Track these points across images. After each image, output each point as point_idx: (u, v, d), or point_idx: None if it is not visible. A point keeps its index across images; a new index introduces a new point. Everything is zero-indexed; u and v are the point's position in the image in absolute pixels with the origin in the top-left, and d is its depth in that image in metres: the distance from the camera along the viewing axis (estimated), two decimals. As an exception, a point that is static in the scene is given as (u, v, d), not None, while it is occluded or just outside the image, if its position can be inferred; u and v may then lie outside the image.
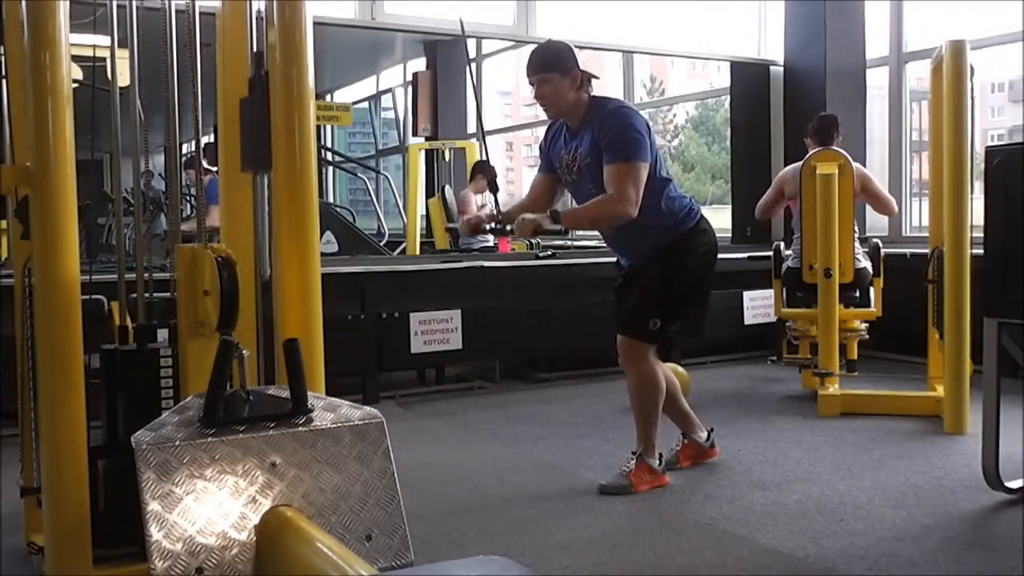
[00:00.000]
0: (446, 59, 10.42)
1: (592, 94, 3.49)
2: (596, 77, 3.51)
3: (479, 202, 7.59)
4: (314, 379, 2.13)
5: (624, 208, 3.31)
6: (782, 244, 5.54)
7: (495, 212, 3.56)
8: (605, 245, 3.91)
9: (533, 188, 3.73)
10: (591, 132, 3.42)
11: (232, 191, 2.65)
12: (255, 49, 2.24)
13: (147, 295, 2.70)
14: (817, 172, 4.92)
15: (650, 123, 3.50)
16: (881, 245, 5.35)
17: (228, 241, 2.58)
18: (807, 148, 5.19)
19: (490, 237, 7.71)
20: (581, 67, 3.45)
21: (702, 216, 3.61)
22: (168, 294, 2.65)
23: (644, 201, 3.35)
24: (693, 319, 3.77)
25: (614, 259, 3.78)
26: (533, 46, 3.62)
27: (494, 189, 3.62)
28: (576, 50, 3.49)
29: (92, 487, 2.25)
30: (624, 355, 3.55)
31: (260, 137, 2.19)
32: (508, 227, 3.45)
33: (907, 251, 5.92)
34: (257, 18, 2.30)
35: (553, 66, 3.41)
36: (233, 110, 2.50)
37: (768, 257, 5.62)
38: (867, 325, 5.28)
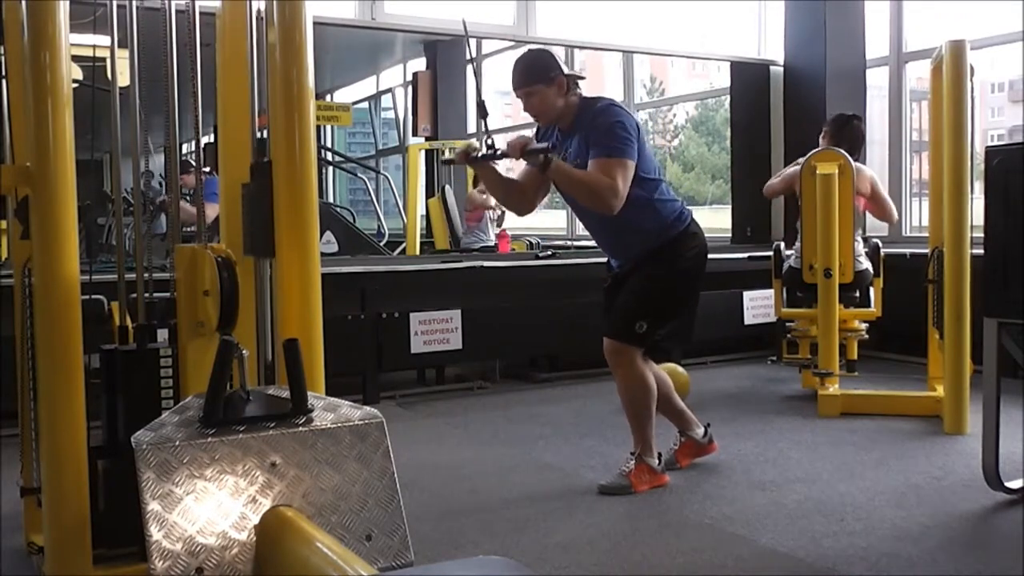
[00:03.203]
0: (446, 59, 10.42)
1: (582, 95, 3.48)
2: (582, 78, 3.51)
3: (484, 200, 7.63)
4: (314, 379, 2.13)
5: (610, 195, 3.29)
6: (782, 244, 5.54)
7: (487, 138, 3.45)
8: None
9: (521, 176, 3.66)
10: (582, 132, 3.42)
11: (231, 192, 2.65)
12: (257, 135, 2.24)
13: (147, 295, 2.70)
14: (817, 172, 4.91)
15: (648, 123, 3.50)
16: (881, 245, 5.35)
17: (228, 241, 2.58)
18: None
19: (492, 238, 7.75)
20: (566, 71, 3.44)
21: (692, 219, 3.60)
22: (168, 294, 2.65)
23: (633, 203, 3.35)
24: (682, 323, 3.76)
25: (607, 260, 3.77)
26: (533, 46, 3.62)
27: (483, 113, 3.51)
28: (571, 50, 3.48)
29: (92, 487, 2.25)
30: (611, 358, 3.54)
31: (263, 224, 2.18)
32: (498, 151, 3.39)
33: (907, 251, 5.91)
34: (257, 18, 2.30)
35: (537, 77, 3.41)
36: (233, 111, 2.50)
37: (768, 257, 5.62)
38: (867, 325, 5.28)
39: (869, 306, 5.24)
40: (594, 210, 3.41)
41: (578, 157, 3.42)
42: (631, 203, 3.34)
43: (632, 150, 3.34)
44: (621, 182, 3.30)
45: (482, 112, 3.47)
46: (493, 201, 7.68)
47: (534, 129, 3.73)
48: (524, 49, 3.68)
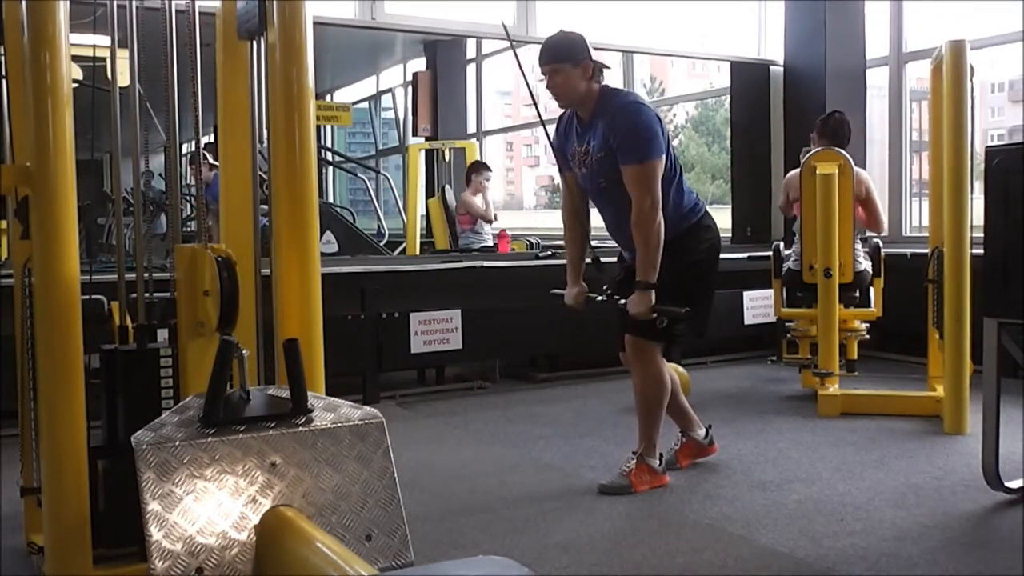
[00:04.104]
0: (446, 59, 10.42)
1: (604, 84, 3.48)
2: (608, 67, 3.50)
3: (481, 203, 7.64)
4: (314, 379, 2.13)
5: (648, 216, 3.33)
6: (781, 244, 5.54)
7: (606, 288, 3.57)
8: (606, 244, 3.90)
9: (566, 190, 3.69)
10: (603, 125, 3.41)
11: (232, 191, 2.65)
12: None
13: (147, 295, 2.70)
14: (817, 172, 4.91)
15: (661, 118, 3.49)
16: (881, 245, 5.34)
17: (228, 241, 2.58)
18: (812, 147, 5.18)
19: (489, 237, 7.76)
20: (594, 58, 3.45)
21: (706, 211, 3.61)
22: (168, 294, 2.65)
23: None
24: (697, 316, 3.76)
25: (615, 257, 3.77)
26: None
27: (599, 266, 3.62)
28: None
29: (92, 487, 2.25)
30: (632, 354, 3.55)
31: (256, 4, 2.21)
32: (621, 301, 3.45)
33: (907, 251, 5.91)
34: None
35: (565, 56, 3.40)
36: (233, 110, 2.50)
37: (768, 257, 5.62)
38: (867, 325, 5.28)
39: (869, 306, 5.24)
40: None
41: (601, 151, 3.42)
42: None
43: (659, 147, 3.36)
44: (648, 193, 3.33)
45: (598, 265, 3.61)
46: (492, 212, 7.71)
47: (555, 125, 3.70)
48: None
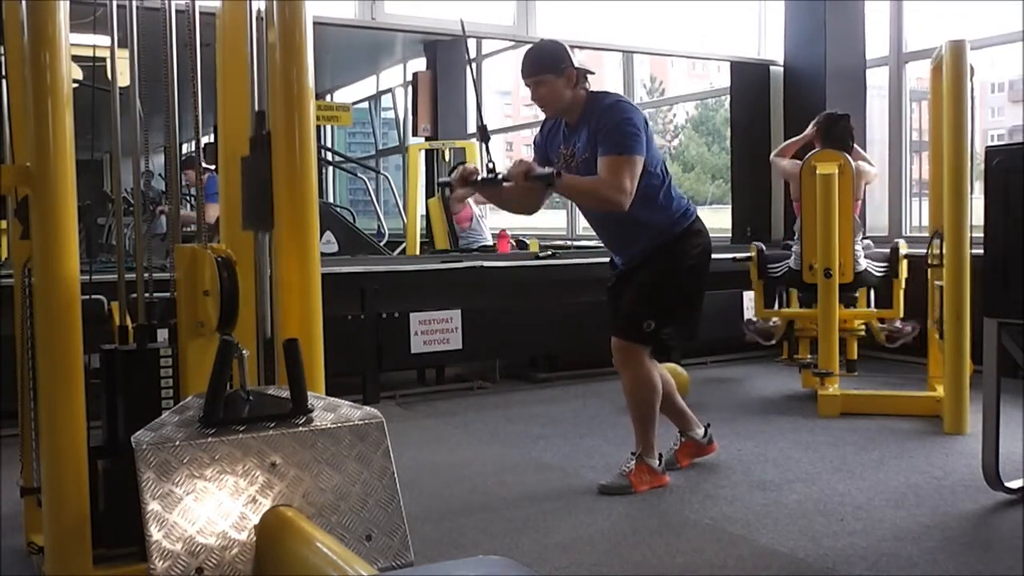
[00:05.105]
0: (446, 59, 10.42)
1: (590, 89, 3.49)
2: (592, 73, 3.51)
3: (467, 200, 7.68)
4: (314, 379, 2.13)
5: (618, 196, 3.30)
6: (764, 246, 5.60)
7: (488, 162, 3.41)
8: (599, 246, 3.90)
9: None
10: (589, 127, 3.42)
11: (231, 190, 2.65)
12: (256, 108, 2.21)
13: (147, 295, 2.70)
14: (817, 172, 4.92)
15: (649, 121, 3.49)
16: (900, 246, 5.27)
17: (228, 241, 2.58)
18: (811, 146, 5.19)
19: (488, 236, 7.75)
20: (576, 64, 3.45)
21: (697, 216, 3.61)
22: (168, 294, 2.65)
23: (640, 198, 3.35)
24: (687, 320, 3.76)
25: (609, 258, 3.77)
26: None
27: (485, 137, 3.47)
28: (572, 49, 3.49)
29: (92, 487, 2.25)
30: (619, 357, 3.55)
31: (262, 196, 2.16)
32: (500, 175, 3.34)
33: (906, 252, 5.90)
34: (257, 18, 2.30)
35: (547, 67, 3.41)
36: (233, 110, 2.50)
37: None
38: (914, 327, 5.18)
39: (868, 307, 5.24)
40: (604, 211, 3.41)
41: (586, 152, 3.42)
42: (637, 199, 3.34)
43: (640, 146, 3.35)
44: (629, 180, 3.30)
45: (484, 136, 3.43)
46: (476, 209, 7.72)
47: (539, 126, 3.72)
48: (524, 49, 3.68)
